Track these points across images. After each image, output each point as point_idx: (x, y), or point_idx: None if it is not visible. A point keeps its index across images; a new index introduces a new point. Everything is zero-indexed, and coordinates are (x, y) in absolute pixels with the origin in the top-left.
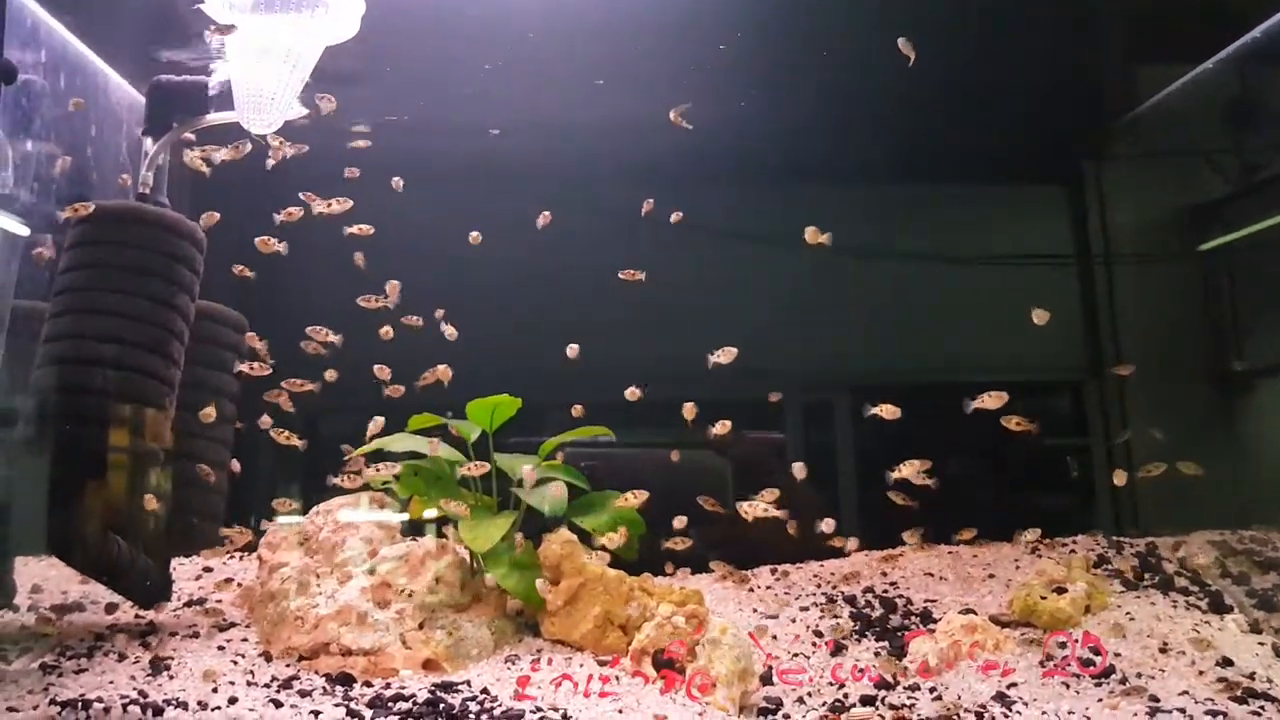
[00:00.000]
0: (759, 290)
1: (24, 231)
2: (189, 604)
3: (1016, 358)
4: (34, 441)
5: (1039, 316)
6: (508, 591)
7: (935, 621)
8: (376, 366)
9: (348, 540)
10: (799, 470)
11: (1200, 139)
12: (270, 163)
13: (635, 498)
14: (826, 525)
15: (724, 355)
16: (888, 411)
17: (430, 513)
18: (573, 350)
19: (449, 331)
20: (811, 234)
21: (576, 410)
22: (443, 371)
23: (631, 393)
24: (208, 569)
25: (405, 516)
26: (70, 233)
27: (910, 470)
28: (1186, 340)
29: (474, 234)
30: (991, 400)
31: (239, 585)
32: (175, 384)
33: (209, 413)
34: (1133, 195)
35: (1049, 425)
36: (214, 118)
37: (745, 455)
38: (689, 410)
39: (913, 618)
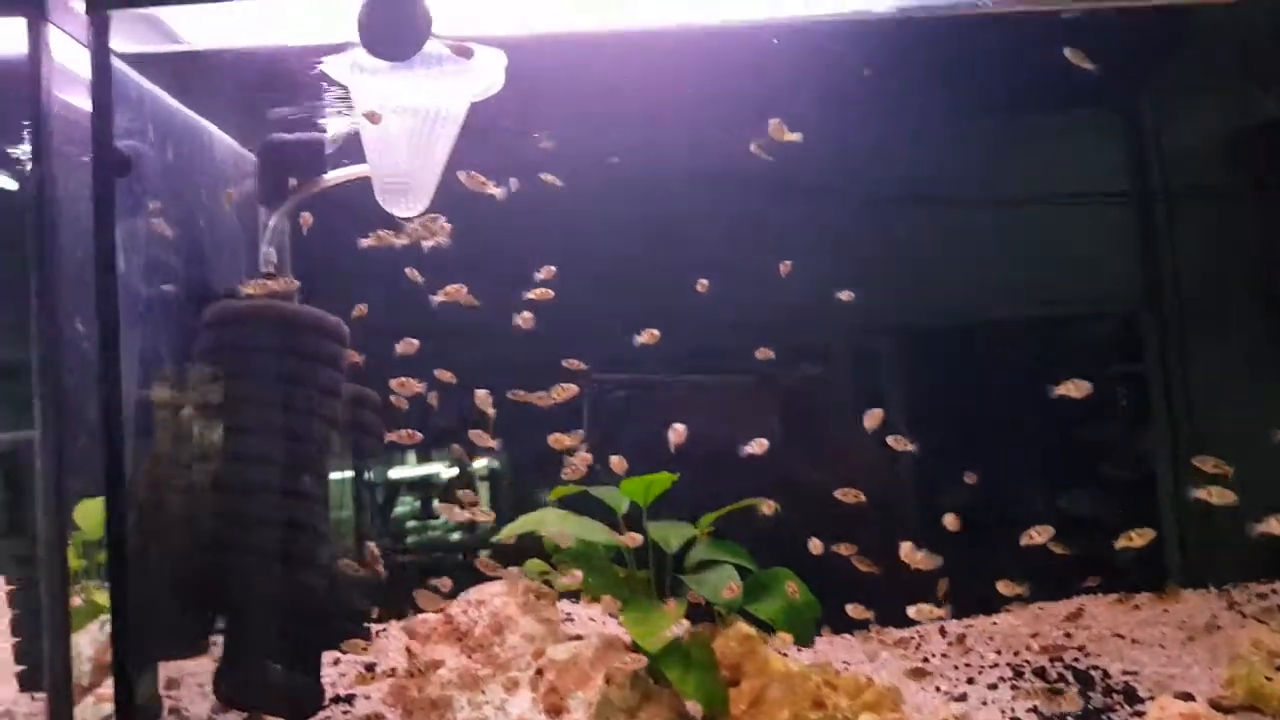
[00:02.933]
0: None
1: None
2: (335, 700)
3: None
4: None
5: None
6: (686, 696)
7: (1141, 702)
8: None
9: (507, 638)
10: (873, 419)
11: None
12: (428, 244)
13: (794, 591)
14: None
15: (647, 336)
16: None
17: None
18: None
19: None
20: (775, 127)
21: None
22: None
23: (650, 334)
24: (336, 660)
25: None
26: (208, 335)
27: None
28: None
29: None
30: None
31: (381, 674)
32: (328, 500)
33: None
34: (1190, 120)
35: None
36: (334, 175)
37: (797, 390)
38: (762, 354)
39: (1114, 695)
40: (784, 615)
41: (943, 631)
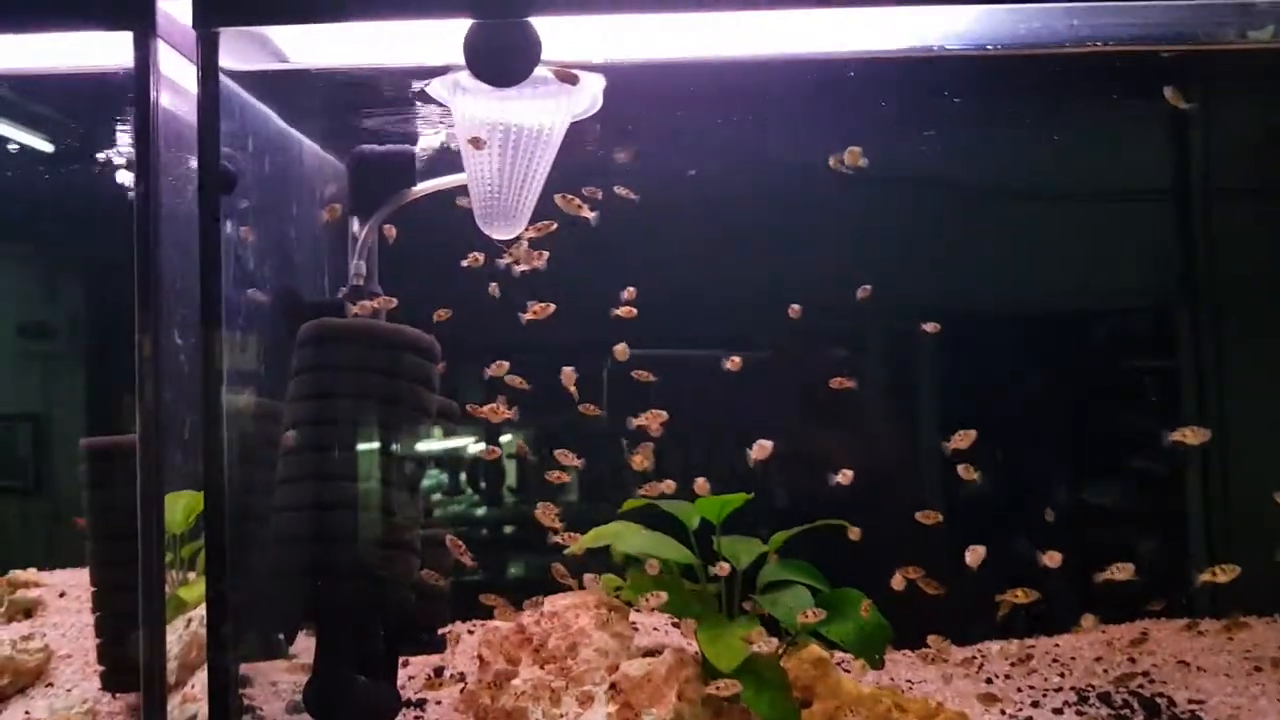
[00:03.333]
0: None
1: None
2: (406, 704)
3: None
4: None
5: None
6: (759, 715)
7: None
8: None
9: (580, 651)
10: (964, 439)
11: None
12: (520, 269)
13: (867, 612)
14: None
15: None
16: None
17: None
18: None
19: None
20: (851, 156)
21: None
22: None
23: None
24: (405, 662)
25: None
26: (304, 353)
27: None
28: None
29: None
30: None
31: (449, 679)
32: (421, 518)
33: None
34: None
35: None
36: (420, 187)
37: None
38: (794, 311)
39: None
40: (856, 637)
41: (1004, 652)
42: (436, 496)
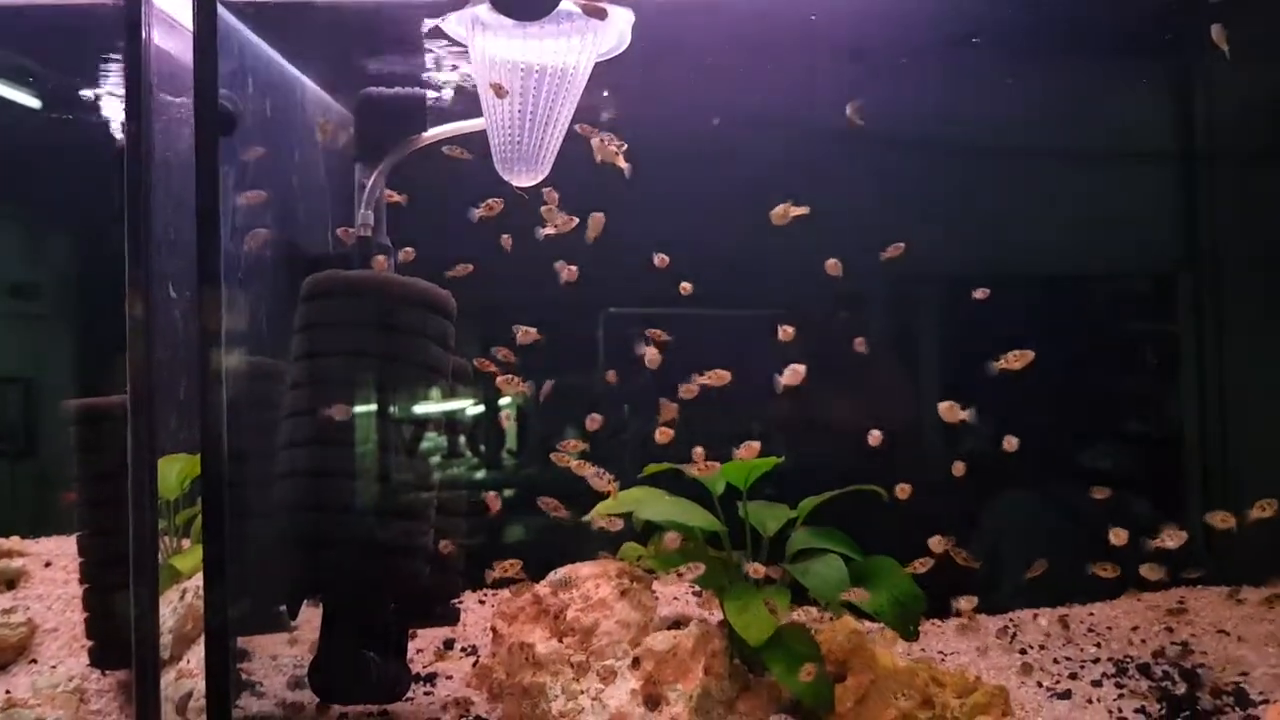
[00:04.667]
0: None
1: None
2: (415, 679)
3: None
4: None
5: None
6: (791, 691)
7: (1254, 705)
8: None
9: (600, 624)
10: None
11: None
12: (545, 233)
13: (922, 566)
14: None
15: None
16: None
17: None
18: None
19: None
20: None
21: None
22: None
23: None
24: (414, 634)
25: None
26: (309, 308)
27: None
28: None
29: None
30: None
31: (462, 655)
32: (435, 485)
33: None
34: (1240, 79)
35: None
36: (431, 133)
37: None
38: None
39: (1224, 697)
40: (890, 608)
41: (1037, 620)
42: (446, 459)
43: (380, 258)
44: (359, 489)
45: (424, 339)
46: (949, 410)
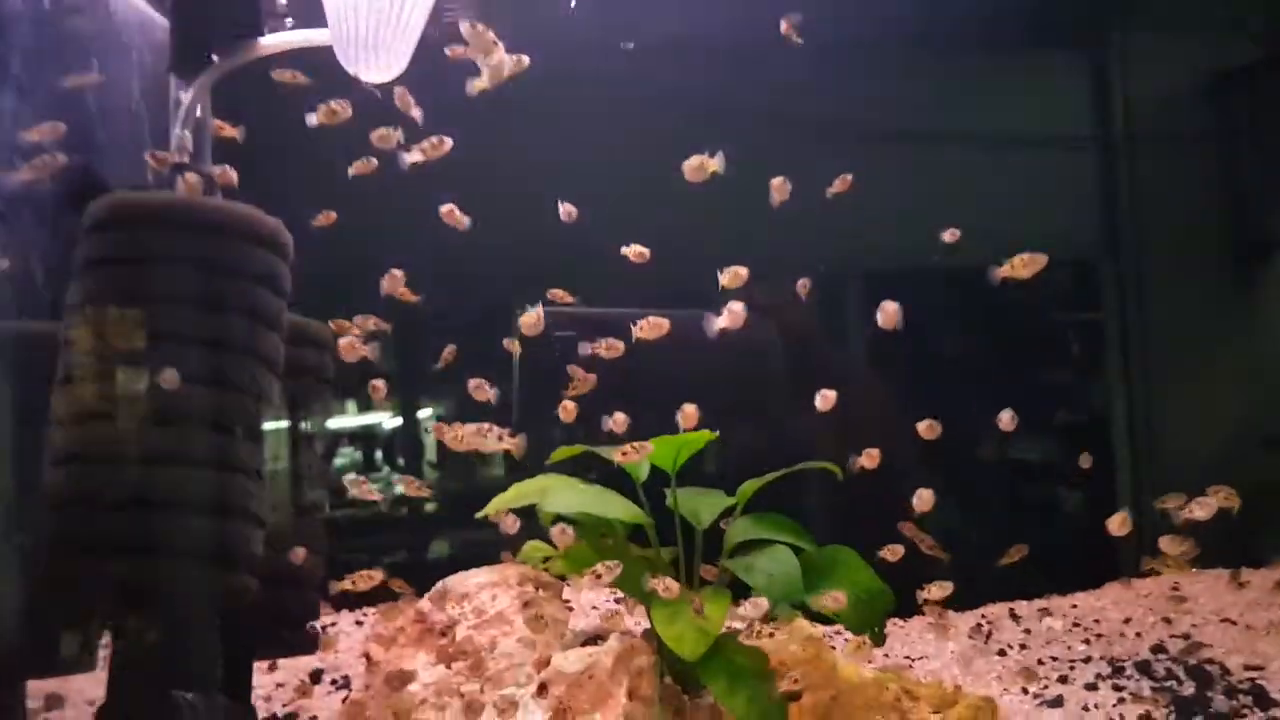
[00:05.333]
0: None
1: None
2: None
3: None
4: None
5: None
6: (734, 714)
7: (1276, 705)
8: None
9: (498, 643)
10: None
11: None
12: (410, 159)
13: (892, 555)
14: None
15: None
16: None
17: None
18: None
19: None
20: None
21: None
22: None
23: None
24: (272, 665)
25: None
26: (95, 239)
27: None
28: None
29: None
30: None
31: (333, 688)
32: (263, 469)
33: None
34: (1158, 62)
35: None
36: (271, 42)
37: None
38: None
39: (1240, 697)
40: (852, 608)
41: (1014, 615)
42: (293, 443)
43: (190, 176)
44: (155, 482)
45: (245, 280)
46: (928, 429)
